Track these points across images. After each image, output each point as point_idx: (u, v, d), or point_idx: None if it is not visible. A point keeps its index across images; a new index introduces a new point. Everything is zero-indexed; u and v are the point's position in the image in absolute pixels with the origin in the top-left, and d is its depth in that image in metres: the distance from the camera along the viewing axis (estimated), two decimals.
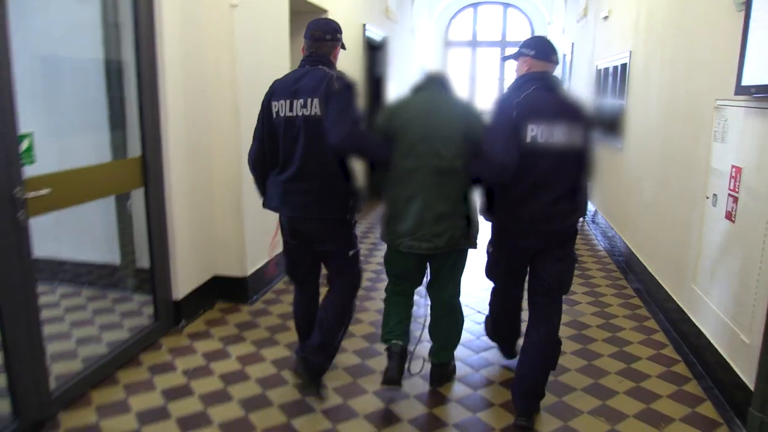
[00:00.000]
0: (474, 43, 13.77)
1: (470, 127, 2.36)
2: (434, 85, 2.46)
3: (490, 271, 2.69)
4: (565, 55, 9.41)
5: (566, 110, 2.30)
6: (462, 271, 2.61)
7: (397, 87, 8.71)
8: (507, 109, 2.29)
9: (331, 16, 5.34)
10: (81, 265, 3.81)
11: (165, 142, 3.10)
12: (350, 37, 6.10)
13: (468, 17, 13.75)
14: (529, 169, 2.26)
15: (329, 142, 2.29)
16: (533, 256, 2.43)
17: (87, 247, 3.77)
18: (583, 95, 7.59)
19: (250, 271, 3.77)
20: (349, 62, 5.78)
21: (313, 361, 2.56)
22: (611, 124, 5.54)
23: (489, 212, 2.48)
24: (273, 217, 2.71)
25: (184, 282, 3.37)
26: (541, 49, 2.38)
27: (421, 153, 2.34)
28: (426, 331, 2.77)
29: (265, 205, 2.57)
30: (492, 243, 2.58)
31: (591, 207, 6.66)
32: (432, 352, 2.72)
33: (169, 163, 3.13)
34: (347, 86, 2.33)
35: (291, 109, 2.36)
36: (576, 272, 2.99)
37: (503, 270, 2.61)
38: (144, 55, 2.92)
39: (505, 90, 2.54)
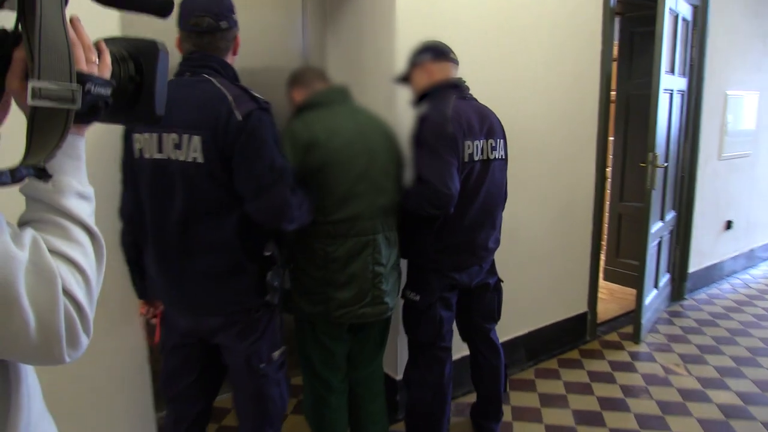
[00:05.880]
0: None
1: (399, 147, 1.98)
2: (343, 99, 1.94)
3: (418, 324, 2.10)
4: None
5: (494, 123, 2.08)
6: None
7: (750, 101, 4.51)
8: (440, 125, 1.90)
9: None
10: None
11: None
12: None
13: None
14: (471, 195, 1.99)
15: (250, 215, 1.55)
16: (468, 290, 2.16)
17: None
18: None
19: None
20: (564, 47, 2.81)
21: None
22: None
23: (413, 249, 2.06)
24: None
25: None
26: (437, 50, 2.05)
27: (362, 192, 1.82)
28: None
29: (145, 295, 1.80)
30: (414, 287, 2.09)
31: None
32: None
33: None
34: (259, 117, 1.52)
35: (160, 149, 1.54)
36: None
37: (433, 318, 2.07)
38: None
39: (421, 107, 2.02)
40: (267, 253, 1.62)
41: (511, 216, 2.78)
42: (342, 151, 1.78)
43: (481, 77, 2.56)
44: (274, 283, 1.64)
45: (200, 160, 1.50)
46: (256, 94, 1.56)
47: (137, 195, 1.63)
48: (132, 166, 1.61)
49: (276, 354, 1.72)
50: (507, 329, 2.96)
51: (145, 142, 1.57)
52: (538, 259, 3.06)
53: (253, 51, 2.57)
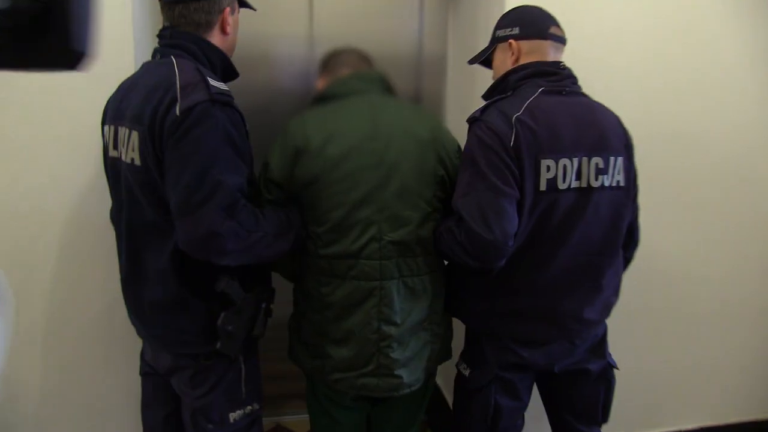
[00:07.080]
0: None
1: (449, 161, 1.37)
2: (368, 89, 1.40)
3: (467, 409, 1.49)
4: None
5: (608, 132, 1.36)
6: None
7: None
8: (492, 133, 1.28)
9: None
10: None
11: None
12: None
13: None
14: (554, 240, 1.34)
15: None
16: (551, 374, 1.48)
17: None
18: None
19: None
20: None
21: None
22: None
23: (460, 306, 1.47)
24: None
25: None
26: (529, 21, 1.38)
27: (366, 220, 1.31)
28: None
29: None
30: (466, 357, 1.52)
31: None
32: None
33: None
34: (204, 113, 1.13)
35: (115, 145, 1.29)
36: None
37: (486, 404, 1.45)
38: None
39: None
40: (220, 290, 1.25)
41: (678, 259, 1.99)
42: (342, 161, 1.30)
43: (632, 61, 1.82)
44: (227, 328, 1.27)
45: (137, 162, 1.21)
46: (216, 83, 1.18)
47: (115, 197, 1.40)
48: (105, 163, 1.40)
49: (235, 415, 1.35)
50: (669, 418, 2.13)
51: (107, 136, 1.34)
52: (727, 322, 2.14)
53: (363, 37, 2.23)
